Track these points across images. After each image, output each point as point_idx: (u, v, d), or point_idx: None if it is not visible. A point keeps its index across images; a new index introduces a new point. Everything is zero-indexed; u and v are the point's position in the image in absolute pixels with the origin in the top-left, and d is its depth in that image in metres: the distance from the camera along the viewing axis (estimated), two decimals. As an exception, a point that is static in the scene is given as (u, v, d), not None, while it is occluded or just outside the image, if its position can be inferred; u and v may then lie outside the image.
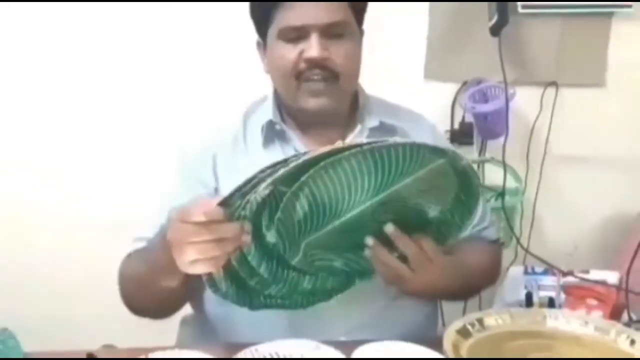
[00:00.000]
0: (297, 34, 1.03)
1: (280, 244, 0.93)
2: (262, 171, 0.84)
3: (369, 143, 0.84)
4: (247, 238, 0.86)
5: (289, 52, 1.03)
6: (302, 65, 1.03)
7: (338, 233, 0.94)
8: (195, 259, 0.85)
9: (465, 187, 0.94)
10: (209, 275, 0.91)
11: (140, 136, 1.72)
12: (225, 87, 1.64)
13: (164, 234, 0.91)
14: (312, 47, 1.01)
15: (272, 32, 1.05)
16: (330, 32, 1.03)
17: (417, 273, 0.95)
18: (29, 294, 1.71)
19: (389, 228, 0.94)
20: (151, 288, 0.99)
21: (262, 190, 0.83)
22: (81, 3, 1.65)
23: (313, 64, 1.02)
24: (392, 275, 0.96)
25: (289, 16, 1.02)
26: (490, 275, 1.20)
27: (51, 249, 1.73)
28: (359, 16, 1.09)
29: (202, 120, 1.56)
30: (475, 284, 1.15)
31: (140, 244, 1.10)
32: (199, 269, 0.87)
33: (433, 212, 0.95)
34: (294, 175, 0.85)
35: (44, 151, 1.73)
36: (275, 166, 0.83)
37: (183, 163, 1.13)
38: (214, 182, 1.09)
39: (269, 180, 0.83)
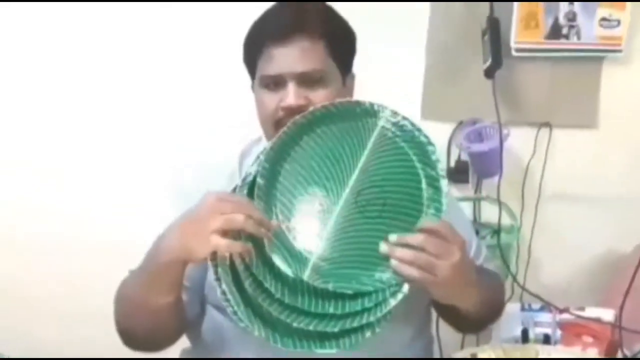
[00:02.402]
0: (275, 82, 1.07)
1: (283, 256, 0.95)
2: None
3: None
4: (267, 233, 0.94)
5: (269, 100, 1.07)
6: (281, 113, 1.06)
7: (339, 242, 0.96)
8: (220, 228, 0.90)
9: (419, 152, 0.99)
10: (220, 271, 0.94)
11: (145, 162, 1.77)
12: (225, 126, 1.68)
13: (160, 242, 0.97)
14: (289, 95, 1.05)
15: (256, 79, 1.10)
16: (307, 80, 1.06)
17: (441, 259, 0.92)
18: (25, 317, 1.75)
19: (392, 238, 0.94)
20: (146, 308, 1.00)
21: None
22: (80, 5, 1.69)
23: (290, 111, 1.05)
24: (419, 272, 0.92)
25: (267, 66, 1.07)
26: (499, 301, 1.20)
27: (52, 270, 1.76)
28: (342, 63, 1.11)
29: (201, 155, 1.61)
30: (490, 303, 1.12)
31: None
32: (220, 243, 0.90)
33: (409, 196, 0.98)
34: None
35: (43, 159, 1.77)
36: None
37: (179, 202, 1.16)
38: None
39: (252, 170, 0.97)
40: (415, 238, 0.94)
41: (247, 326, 0.94)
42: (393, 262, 0.94)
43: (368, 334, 0.96)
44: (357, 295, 0.95)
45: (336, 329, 0.94)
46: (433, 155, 0.99)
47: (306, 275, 0.94)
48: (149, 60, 1.73)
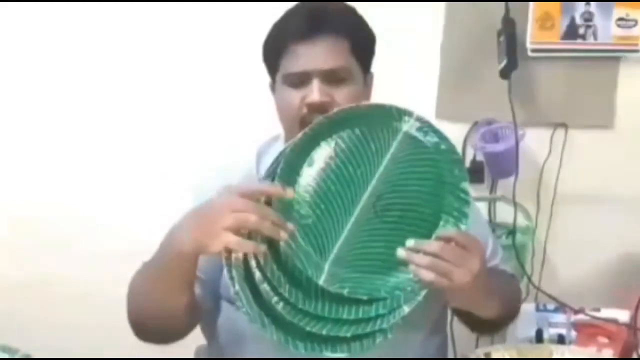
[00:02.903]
0: (299, 80, 1.07)
1: (299, 259, 0.94)
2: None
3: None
4: (284, 234, 0.92)
5: (293, 97, 1.08)
6: (304, 110, 1.07)
7: (355, 247, 0.95)
8: (231, 226, 0.89)
9: (443, 160, 0.98)
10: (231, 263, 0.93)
11: (158, 170, 1.79)
12: (242, 124, 1.70)
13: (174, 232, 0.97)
14: (313, 93, 1.05)
15: (279, 77, 1.10)
16: (331, 78, 1.07)
17: (459, 267, 0.92)
18: (48, 321, 1.77)
19: (409, 243, 0.94)
20: (158, 301, 1.00)
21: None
22: (84, 11, 1.72)
23: (314, 108, 1.05)
24: (437, 277, 0.92)
25: (292, 63, 1.07)
26: (515, 304, 1.20)
27: (70, 277, 1.78)
28: (363, 62, 1.12)
29: (218, 155, 1.62)
30: (506, 307, 1.12)
31: None
32: (230, 240, 0.90)
33: (429, 202, 0.98)
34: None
35: (59, 160, 1.81)
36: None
37: (197, 198, 1.17)
38: None
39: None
40: (432, 246, 0.94)
41: (259, 327, 0.94)
42: (411, 266, 0.94)
43: (380, 339, 0.95)
44: (371, 301, 0.95)
45: (349, 334, 0.93)
46: (457, 168, 0.98)
47: (322, 280, 0.94)
48: (163, 61, 1.75)
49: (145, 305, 1.04)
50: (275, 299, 0.93)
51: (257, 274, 0.93)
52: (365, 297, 0.95)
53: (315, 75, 1.06)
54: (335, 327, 0.94)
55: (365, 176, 0.97)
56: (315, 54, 1.06)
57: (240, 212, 0.90)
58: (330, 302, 0.94)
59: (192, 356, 1.26)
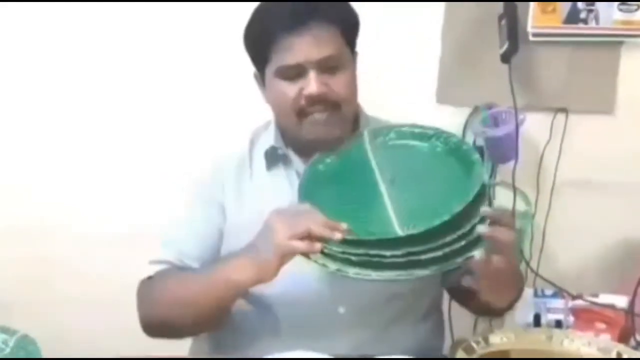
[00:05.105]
0: (294, 72, 1.05)
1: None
2: None
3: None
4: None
5: (289, 90, 1.06)
6: (303, 102, 1.06)
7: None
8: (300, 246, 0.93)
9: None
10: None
11: (154, 153, 1.78)
12: (236, 111, 1.68)
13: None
14: (311, 84, 1.04)
15: (270, 69, 1.08)
16: (326, 66, 1.05)
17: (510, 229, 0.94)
18: (50, 303, 1.77)
19: (484, 211, 0.93)
20: (200, 308, 1.03)
21: None
22: (85, 14, 1.71)
23: (313, 100, 1.05)
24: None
25: (285, 55, 1.05)
26: (520, 290, 1.19)
27: (70, 259, 1.78)
28: (352, 44, 1.12)
29: (212, 141, 1.62)
30: (516, 283, 1.12)
31: (159, 267, 1.12)
32: (298, 245, 0.93)
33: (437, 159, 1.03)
34: None
35: (59, 165, 1.80)
36: None
37: (195, 187, 1.18)
38: (223, 200, 1.14)
39: None
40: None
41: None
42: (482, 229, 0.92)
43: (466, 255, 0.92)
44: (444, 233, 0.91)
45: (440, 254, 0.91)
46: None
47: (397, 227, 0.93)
48: (154, 49, 1.73)
49: (182, 309, 1.05)
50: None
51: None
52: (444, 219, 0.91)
53: (310, 66, 1.04)
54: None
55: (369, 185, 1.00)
56: (308, 44, 1.04)
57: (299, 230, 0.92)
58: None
59: (191, 343, 1.26)
